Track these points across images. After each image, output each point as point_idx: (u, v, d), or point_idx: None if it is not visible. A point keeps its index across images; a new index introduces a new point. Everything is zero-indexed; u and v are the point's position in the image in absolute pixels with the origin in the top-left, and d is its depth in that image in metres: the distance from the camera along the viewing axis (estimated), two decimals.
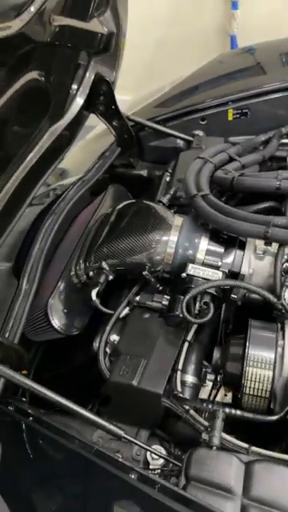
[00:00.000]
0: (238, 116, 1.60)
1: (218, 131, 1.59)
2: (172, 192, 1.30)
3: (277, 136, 1.47)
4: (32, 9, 1.03)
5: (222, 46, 2.59)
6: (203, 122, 1.61)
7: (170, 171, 1.50)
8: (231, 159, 1.32)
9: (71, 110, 1.36)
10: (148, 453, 0.96)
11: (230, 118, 1.60)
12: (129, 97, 1.94)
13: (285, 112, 1.60)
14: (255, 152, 1.40)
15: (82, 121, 1.48)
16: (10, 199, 1.13)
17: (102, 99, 1.46)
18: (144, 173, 1.67)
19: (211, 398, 1.05)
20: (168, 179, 1.48)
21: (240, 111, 1.59)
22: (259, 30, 2.38)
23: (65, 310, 1.14)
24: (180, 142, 1.62)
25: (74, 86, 1.38)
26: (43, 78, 1.24)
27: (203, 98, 1.64)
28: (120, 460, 0.78)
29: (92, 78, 1.38)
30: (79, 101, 1.38)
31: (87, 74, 1.39)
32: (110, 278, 1.11)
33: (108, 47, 1.37)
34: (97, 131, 1.77)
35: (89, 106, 1.43)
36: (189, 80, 1.79)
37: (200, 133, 1.61)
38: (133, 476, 0.75)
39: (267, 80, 1.63)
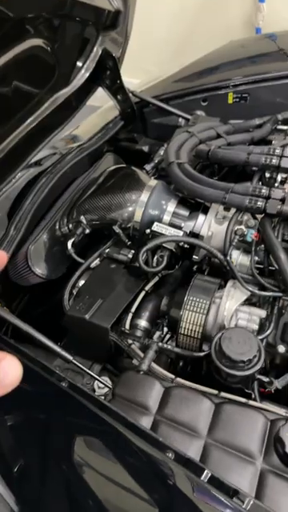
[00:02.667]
0: (237, 100, 1.67)
1: (218, 113, 1.66)
2: (156, 161, 1.40)
3: (271, 121, 1.54)
4: None
5: (247, 33, 2.63)
6: (204, 103, 1.69)
7: (165, 146, 1.60)
8: (218, 136, 1.41)
9: (76, 81, 1.48)
10: (96, 383, 1.08)
11: (230, 101, 1.68)
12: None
13: (284, 99, 1.66)
14: (244, 133, 1.47)
15: (88, 92, 1.60)
16: (5, 159, 1.25)
17: (107, 74, 1.57)
18: (145, 148, 1.77)
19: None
20: (162, 152, 1.57)
21: (240, 95, 1.67)
22: (285, 22, 2.42)
23: (45, 258, 1.26)
24: (181, 121, 1.71)
25: (81, 59, 1.50)
26: (49, 48, 1.36)
27: (206, 80, 1.72)
28: (57, 371, 0.89)
29: (99, 53, 1.50)
30: (85, 74, 1.49)
31: (94, 49, 1.50)
32: (87, 231, 1.23)
33: (115, 24, 1.48)
34: (108, 106, 1.88)
35: (95, 79, 1.55)
36: (197, 64, 1.87)
37: (201, 113, 1.69)
38: (64, 384, 0.87)
39: (271, 67, 1.69)
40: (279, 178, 1.23)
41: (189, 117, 1.68)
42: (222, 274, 1.14)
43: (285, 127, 1.56)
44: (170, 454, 0.73)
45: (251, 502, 0.67)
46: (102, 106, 1.87)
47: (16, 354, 1.02)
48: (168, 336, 1.14)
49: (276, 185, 1.22)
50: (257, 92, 1.65)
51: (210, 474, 0.70)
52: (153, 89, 1.78)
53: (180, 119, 1.72)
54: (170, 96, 1.71)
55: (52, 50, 1.36)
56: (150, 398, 0.87)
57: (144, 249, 1.08)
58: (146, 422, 0.85)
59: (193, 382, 0.94)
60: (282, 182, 1.22)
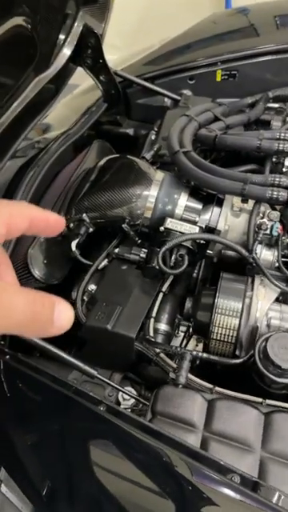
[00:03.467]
0: (226, 77, 1.60)
1: (206, 92, 1.59)
2: (156, 149, 1.31)
3: (263, 99, 1.48)
4: None
5: (216, 6, 2.54)
6: (191, 82, 1.60)
7: (156, 129, 1.51)
8: (216, 119, 1.33)
9: (58, 61, 1.35)
10: (120, 394, 1.01)
11: (218, 78, 1.60)
12: (116, 56, 1.91)
13: (273, 76, 1.60)
14: (241, 114, 1.41)
15: (69, 74, 1.47)
16: None
17: (89, 52, 1.44)
18: (130, 131, 1.67)
19: (183, 346, 1.10)
20: (153, 137, 1.48)
21: (228, 72, 1.59)
22: None
23: (45, 261, 1.16)
24: (167, 101, 1.62)
25: (62, 37, 1.36)
26: (29, 26, 1.22)
27: (193, 57, 1.63)
28: (90, 394, 0.82)
29: (80, 29, 1.37)
30: (66, 51, 1.37)
31: (75, 25, 1.37)
32: (90, 230, 1.14)
33: None
34: (83, 88, 1.75)
35: (76, 59, 1.42)
36: (180, 39, 1.77)
37: (188, 92, 1.61)
38: (102, 408, 0.80)
39: (259, 42, 1.62)
40: (287, 162, 1.18)
41: (176, 97, 1.59)
42: (233, 266, 1.10)
43: (276, 105, 1.52)
44: (236, 478, 0.69)
45: None
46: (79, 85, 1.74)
47: (34, 373, 0.95)
48: (190, 341, 1.08)
49: (284, 170, 1.18)
50: (246, 69, 1.58)
51: (282, 497, 0.66)
52: (134, 67, 1.67)
53: (166, 99, 1.63)
54: (155, 75, 1.60)
55: (33, 29, 1.23)
56: (194, 414, 0.82)
57: (163, 249, 1.01)
58: (193, 440, 0.80)
59: (218, 385, 0.90)
60: None
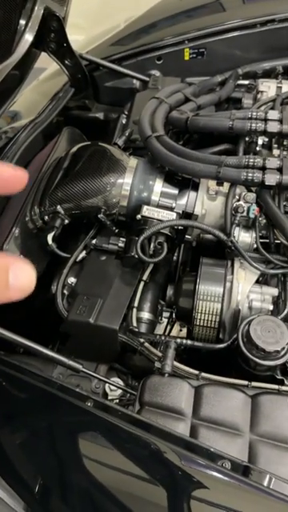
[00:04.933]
0: (194, 56, 1.57)
1: (175, 71, 1.56)
2: (127, 134, 1.29)
3: (233, 77, 1.47)
4: None
5: None
6: (159, 62, 1.57)
7: (126, 113, 1.48)
8: (187, 100, 1.31)
9: (20, 48, 1.29)
10: (107, 385, 1.01)
11: (187, 57, 1.57)
12: (82, 36, 1.86)
13: (241, 52, 1.57)
14: (211, 93, 1.39)
15: (33, 60, 1.41)
16: None
17: (52, 36, 1.39)
18: (100, 115, 1.63)
19: (166, 333, 1.10)
20: (124, 121, 1.46)
21: (196, 51, 1.56)
22: None
23: (21, 256, 1.14)
24: (136, 83, 1.58)
25: (22, 22, 1.31)
26: None
27: (160, 36, 1.59)
28: (76, 390, 0.82)
29: (41, 12, 1.31)
30: (28, 37, 1.31)
31: (36, 8, 1.31)
32: (66, 222, 1.12)
33: None
34: (50, 72, 1.69)
35: (39, 44, 1.37)
36: (145, 17, 1.72)
37: (156, 73, 1.57)
38: (89, 404, 0.79)
39: (226, 18, 1.59)
40: (260, 141, 1.17)
41: (144, 78, 1.56)
42: (212, 249, 1.10)
43: (246, 82, 1.50)
44: (226, 464, 0.70)
45: None
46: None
47: (15, 372, 0.94)
48: (173, 327, 1.08)
49: (258, 149, 1.17)
50: (213, 46, 1.55)
51: (273, 479, 0.67)
52: (101, 49, 1.62)
53: (134, 81, 1.59)
54: (121, 56, 1.56)
55: None
56: (182, 402, 0.83)
57: (141, 238, 1.00)
58: (183, 428, 0.81)
59: (203, 370, 0.91)
60: (265, 146, 1.18)
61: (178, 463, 0.73)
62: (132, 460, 0.79)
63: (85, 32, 2.03)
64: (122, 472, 0.79)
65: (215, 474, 0.69)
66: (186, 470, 0.73)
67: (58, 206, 1.10)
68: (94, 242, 1.11)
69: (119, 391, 1.00)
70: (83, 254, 1.11)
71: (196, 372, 0.89)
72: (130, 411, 0.82)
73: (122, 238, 1.10)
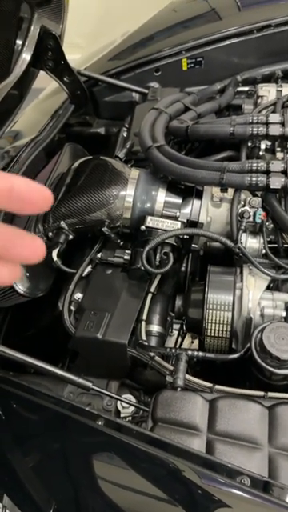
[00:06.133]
0: (192, 65, 1.56)
1: (174, 82, 1.55)
2: (128, 146, 1.28)
3: (232, 84, 1.46)
4: None
5: None
6: (157, 74, 1.56)
7: (127, 126, 1.47)
8: (187, 109, 1.30)
9: (18, 67, 1.31)
10: (119, 402, 0.98)
11: (185, 67, 1.56)
12: (79, 55, 1.87)
13: (239, 59, 1.57)
14: (211, 101, 1.38)
15: (31, 78, 1.42)
16: None
17: (50, 55, 1.40)
18: (101, 130, 1.63)
19: (177, 345, 1.07)
20: (125, 134, 1.45)
21: (194, 60, 1.55)
22: None
23: (27, 274, 1.12)
24: (136, 96, 1.58)
25: (19, 42, 1.32)
26: None
27: (157, 48, 1.59)
28: (86, 409, 0.79)
29: (37, 31, 1.33)
30: (26, 56, 1.32)
31: (32, 28, 1.33)
32: (70, 237, 1.10)
33: None
34: (50, 89, 1.71)
35: (37, 63, 1.38)
36: (141, 31, 1.73)
37: (155, 84, 1.57)
38: (99, 423, 0.76)
39: (223, 26, 1.58)
40: (263, 145, 1.15)
41: (143, 90, 1.55)
42: (220, 257, 1.07)
43: (246, 88, 1.49)
44: (245, 480, 0.66)
45: None
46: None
47: (26, 394, 0.91)
48: (184, 339, 1.06)
49: (261, 153, 1.15)
50: (211, 54, 1.55)
51: None
52: (99, 64, 1.63)
53: (134, 94, 1.59)
54: (119, 70, 1.56)
55: None
56: (196, 417, 0.80)
57: (146, 249, 0.98)
58: (198, 444, 0.77)
59: (218, 382, 0.87)
60: (268, 150, 1.16)
61: (198, 482, 0.70)
62: (149, 480, 0.76)
63: (82, 51, 2.05)
64: (139, 493, 0.76)
65: (236, 491, 0.66)
66: (205, 488, 0.70)
67: (62, 222, 1.09)
68: (99, 255, 1.09)
69: (132, 408, 0.97)
70: (89, 268, 1.10)
71: (209, 385, 0.86)
72: (144, 429, 0.79)
73: (127, 251, 1.08)
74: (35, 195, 0.41)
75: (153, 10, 1.80)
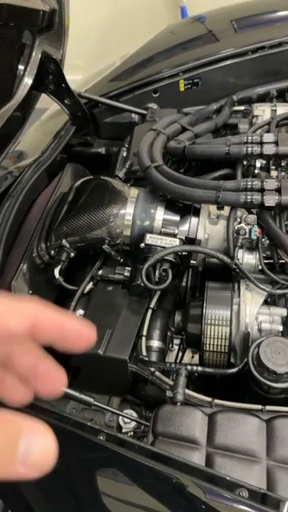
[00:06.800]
0: (189, 86, 1.61)
1: (171, 103, 1.60)
2: (128, 166, 1.31)
3: (228, 104, 1.50)
4: None
5: (173, 19, 2.57)
6: (156, 95, 1.61)
7: (127, 146, 1.51)
8: (184, 129, 1.34)
9: (20, 91, 1.35)
10: (120, 417, 1.00)
11: (182, 88, 1.61)
12: (80, 76, 1.92)
13: (235, 79, 1.61)
14: (208, 121, 1.42)
15: (33, 101, 1.47)
16: None
17: (51, 78, 1.45)
18: (102, 150, 1.67)
19: (178, 360, 1.09)
20: (125, 154, 1.49)
21: (191, 81, 1.60)
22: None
23: (30, 291, 1.15)
24: (135, 117, 1.62)
25: (21, 67, 1.37)
26: None
27: (155, 69, 1.64)
28: (88, 424, 0.81)
29: (39, 56, 1.38)
30: (28, 81, 1.37)
31: (33, 54, 1.38)
32: (72, 255, 1.13)
33: (51, 24, 1.36)
34: (53, 110, 1.75)
35: (38, 86, 1.42)
36: (140, 53, 1.78)
37: (154, 105, 1.62)
38: (101, 437, 0.78)
39: (220, 47, 1.63)
40: (258, 164, 1.19)
41: (142, 111, 1.60)
42: (219, 273, 1.10)
43: (242, 107, 1.53)
44: (243, 492, 0.67)
45: None
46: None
47: (28, 409, 0.93)
48: (185, 354, 1.07)
49: (256, 171, 1.19)
50: (207, 75, 1.59)
51: None
52: (99, 86, 1.67)
53: (133, 115, 1.64)
54: (119, 92, 1.61)
55: None
56: (195, 431, 0.81)
57: (145, 266, 1.00)
58: (198, 458, 0.79)
59: (219, 396, 0.89)
60: (263, 169, 1.19)
61: (203, 497, 0.71)
62: (154, 496, 0.77)
63: (83, 71, 2.11)
64: (144, 509, 0.77)
65: (240, 506, 0.67)
66: (210, 504, 0.71)
67: (64, 240, 1.12)
68: (100, 272, 1.12)
69: (133, 423, 0.99)
70: (90, 285, 1.12)
71: (209, 399, 0.88)
72: (145, 443, 0.80)
73: (127, 268, 1.10)
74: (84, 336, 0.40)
75: (152, 32, 1.86)
